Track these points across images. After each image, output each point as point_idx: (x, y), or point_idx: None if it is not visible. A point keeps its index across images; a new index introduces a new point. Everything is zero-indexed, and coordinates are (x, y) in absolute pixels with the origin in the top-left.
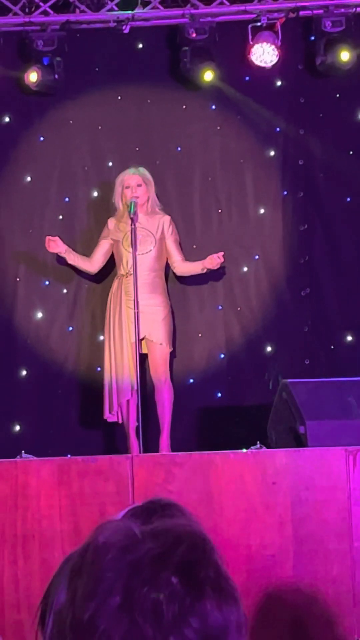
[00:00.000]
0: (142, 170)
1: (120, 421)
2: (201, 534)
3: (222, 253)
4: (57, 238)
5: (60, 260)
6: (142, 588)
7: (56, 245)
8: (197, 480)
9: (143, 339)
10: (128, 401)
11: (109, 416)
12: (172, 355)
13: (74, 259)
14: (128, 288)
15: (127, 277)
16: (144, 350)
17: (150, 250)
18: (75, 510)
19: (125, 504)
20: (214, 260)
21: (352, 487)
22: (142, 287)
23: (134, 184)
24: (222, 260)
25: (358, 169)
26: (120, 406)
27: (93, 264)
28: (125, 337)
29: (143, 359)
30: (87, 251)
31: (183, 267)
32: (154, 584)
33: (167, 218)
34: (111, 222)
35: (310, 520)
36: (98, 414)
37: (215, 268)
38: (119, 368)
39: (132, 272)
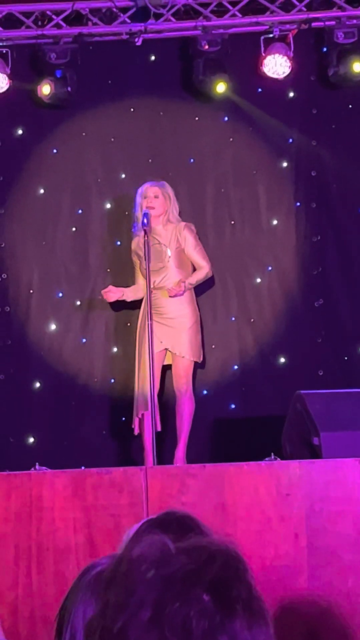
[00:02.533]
0: (163, 182)
1: (137, 432)
2: (235, 553)
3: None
4: (110, 287)
5: (114, 302)
6: (173, 603)
7: (114, 294)
8: (211, 491)
9: (167, 350)
10: (143, 413)
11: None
12: (195, 366)
13: (130, 295)
14: (154, 301)
15: (152, 291)
16: (169, 362)
17: (168, 262)
18: (90, 522)
19: (139, 515)
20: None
21: None
22: (168, 299)
23: (152, 195)
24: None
25: None
26: (138, 418)
27: (142, 290)
28: (147, 350)
29: (167, 370)
30: (101, 262)
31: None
32: (185, 599)
33: (182, 225)
34: (134, 242)
35: (325, 531)
36: (112, 425)
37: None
38: (141, 381)
39: (157, 287)
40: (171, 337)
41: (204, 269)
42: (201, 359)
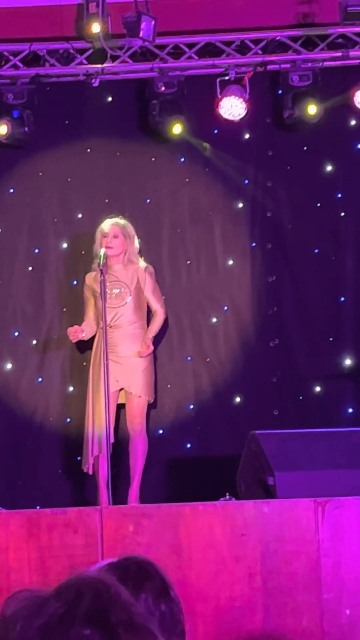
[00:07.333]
0: (124, 222)
1: (91, 472)
2: (104, 580)
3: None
4: (76, 327)
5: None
6: None
7: (79, 334)
8: (166, 532)
9: (122, 389)
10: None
11: (86, 468)
12: (150, 405)
13: (88, 332)
14: (109, 340)
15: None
16: (123, 400)
17: (126, 302)
18: (45, 563)
19: (94, 556)
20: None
21: (321, 538)
22: (123, 338)
23: (112, 234)
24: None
25: (325, 221)
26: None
27: (94, 326)
28: (103, 389)
29: (121, 408)
30: (57, 302)
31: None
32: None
33: (143, 268)
34: (88, 277)
35: (280, 571)
36: (67, 465)
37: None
38: (96, 420)
39: (110, 325)
40: (127, 377)
41: (159, 316)
42: (153, 399)
